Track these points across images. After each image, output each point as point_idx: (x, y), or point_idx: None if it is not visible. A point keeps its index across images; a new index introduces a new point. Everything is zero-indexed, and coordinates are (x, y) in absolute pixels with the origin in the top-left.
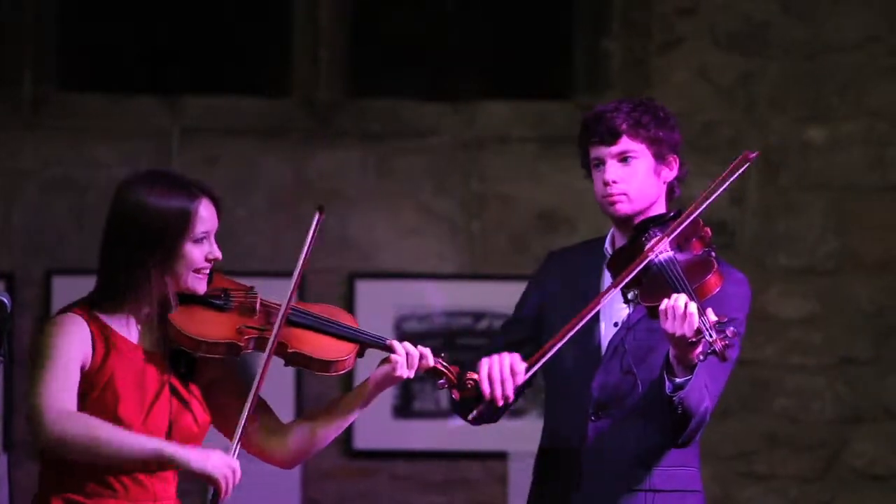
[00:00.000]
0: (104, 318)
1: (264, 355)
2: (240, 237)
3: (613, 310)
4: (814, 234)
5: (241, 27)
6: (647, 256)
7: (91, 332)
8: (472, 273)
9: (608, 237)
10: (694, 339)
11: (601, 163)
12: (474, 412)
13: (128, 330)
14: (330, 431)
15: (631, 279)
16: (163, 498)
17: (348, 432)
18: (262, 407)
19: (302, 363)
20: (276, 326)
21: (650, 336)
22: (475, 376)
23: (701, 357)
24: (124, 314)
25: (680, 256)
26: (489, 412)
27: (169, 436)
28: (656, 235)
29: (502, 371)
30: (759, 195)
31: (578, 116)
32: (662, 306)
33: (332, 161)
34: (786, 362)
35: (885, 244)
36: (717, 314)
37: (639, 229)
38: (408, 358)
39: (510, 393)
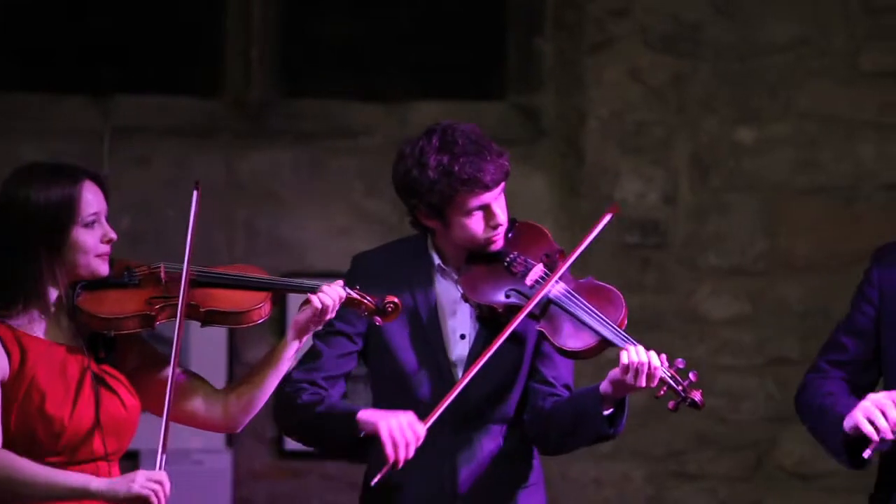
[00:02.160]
0: (10, 322)
1: (177, 320)
2: (171, 237)
3: (457, 323)
4: (744, 235)
5: (173, 27)
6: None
7: (1, 339)
8: None
9: (430, 248)
10: (656, 392)
11: (484, 208)
12: (377, 476)
13: (35, 328)
14: (266, 384)
15: (530, 312)
16: None
17: (279, 434)
18: (193, 377)
19: (217, 320)
20: (182, 288)
21: (507, 349)
22: (394, 299)
23: (672, 408)
24: (27, 313)
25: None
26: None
27: (97, 423)
28: (525, 264)
29: (403, 431)
30: (690, 195)
31: (511, 116)
32: (625, 361)
33: (264, 161)
34: (716, 362)
35: (815, 245)
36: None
37: (498, 255)
38: (326, 292)
39: (412, 454)
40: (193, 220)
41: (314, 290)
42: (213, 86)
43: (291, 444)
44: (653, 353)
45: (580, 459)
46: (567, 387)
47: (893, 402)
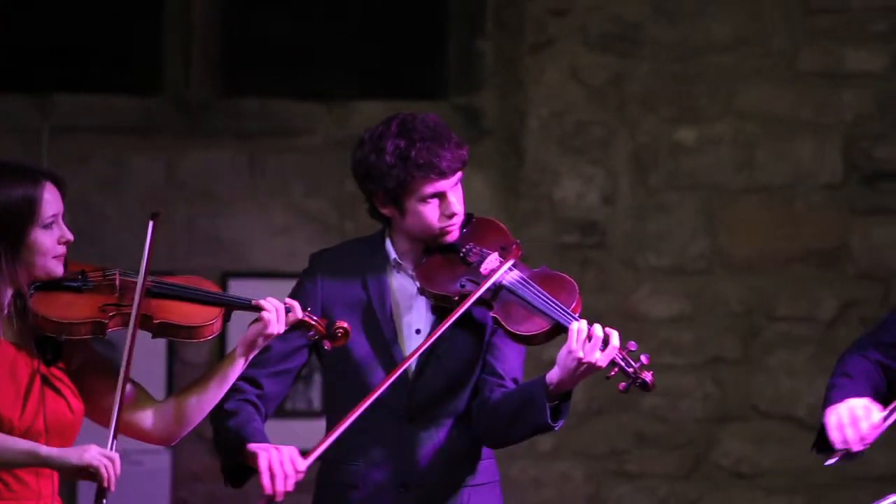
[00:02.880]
0: None
1: (129, 331)
2: (110, 237)
3: (413, 317)
4: (683, 235)
5: (113, 25)
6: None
7: None
8: None
9: (387, 243)
10: (607, 373)
11: (440, 196)
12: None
13: None
14: (206, 400)
15: (478, 299)
16: (46, 496)
17: None
18: (133, 386)
19: (169, 333)
20: (136, 298)
21: (463, 343)
22: (344, 324)
23: (622, 389)
24: None
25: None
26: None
27: (45, 426)
28: (481, 253)
29: (283, 464)
30: (629, 195)
31: (452, 116)
32: (573, 334)
33: (204, 160)
34: (656, 361)
35: (754, 244)
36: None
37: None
38: (277, 312)
39: (291, 487)
40: (149, 249)
41: (265, 310)
42: (152, 84)
43: None
44: (609, 329)
45: (520, 459)
46: (515, 381)
47: (867, 414)
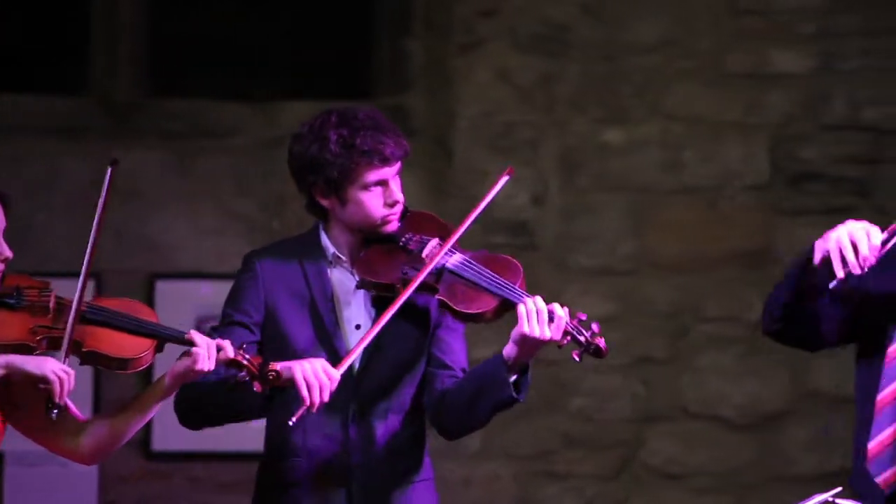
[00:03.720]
0: None
1: (60, 354)
2: (39, 238)
3: (352, 313)
4: (612, 235)
5: (39, 25)
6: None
7: None
8: None
9: (323, 238)
10: (559, 342)
11: (382, 183)
12: (294, 417)
13: None
14: (129, 428)
15: (420, 284)
16: None
17: (146, 434)
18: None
19: (98, 362)
20: (69, 326)
21: (407, 335)
22: (277, 367)
23: (577, 358)
24: None
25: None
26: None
27: None
28: (421, 240)
29: (317, 376)
30: (558, 196)
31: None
32: (522, 311)
33: (132, 161)
34: (584, 362)
35: (681, 245)
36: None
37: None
38: (208, 349)
39: (327, 397)
40: (104, 200)
41: (197, 345)
42: (79, 85)
43: (159, 445)
44: (556, 304)
45: (449, 459)
46: (463, 370)
47: (868, 234)
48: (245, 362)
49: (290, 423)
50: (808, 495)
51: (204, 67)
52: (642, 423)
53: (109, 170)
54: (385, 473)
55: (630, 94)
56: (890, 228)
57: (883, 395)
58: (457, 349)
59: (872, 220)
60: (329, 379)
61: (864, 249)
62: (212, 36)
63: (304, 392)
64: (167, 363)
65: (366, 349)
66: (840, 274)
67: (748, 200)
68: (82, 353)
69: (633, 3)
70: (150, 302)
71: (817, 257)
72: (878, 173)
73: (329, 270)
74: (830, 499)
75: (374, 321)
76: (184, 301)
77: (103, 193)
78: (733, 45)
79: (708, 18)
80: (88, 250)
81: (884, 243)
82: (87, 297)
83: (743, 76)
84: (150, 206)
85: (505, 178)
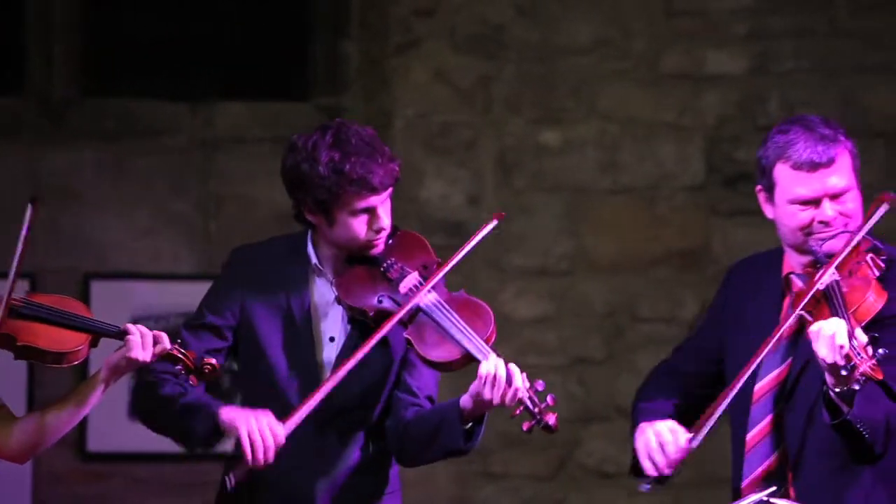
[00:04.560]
0: None
1: None
2: None
3: (328, 325)
4: (548, 236)
5: None
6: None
7: None
8: (208, 274)
9: (309, 247)
10: (512, 412)
11: (370, 210)
12: (234, 479)
13: None
14: (61, 422)
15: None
16: None
17: (81, 434)
18: None
19: (33, 356)
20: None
21: (378, 355)
22: (212, 361)
23: (526, 429)
24: None
25: None
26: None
27: None
28: (402, 270)
29: (262, 434)
30: (494, 196)
31: (317, 117)
32: (482, 372)
33: (67, 160)
34: (521, 362)
35: (617, 245)
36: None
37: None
38: (143, 339)
39: (272, 457)
40: (23, 242)
41: (131, 335)
42: (14, 84)
43: (95, 445)
44: (515, 369)
45: None
46: (430, 398)
47: (674, 437)
48: (180, 356)
49: (229, 488)
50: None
51: (140, 67)
52: (579, 423)
53: (30, 208)
54: (352, 492)
55: (566, 94)
56: (694, 427)
57: (752, 435)
58: (426, 375)
59: None
60: (274, 438)
61: (671, 451)
62: (148, 36)
63: (248, 452)
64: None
65: (335, 366)
66: (651, 473)
67: (684, 201)
68: (17, 348)
69: (568, 5)
70: (85, 302)
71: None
72: None
73: (311, 280)
74: (766, 498)
75: (347, 337)
76: (119, 301)
77: (24, 231)
78: (668, 45)
79: (643, 19)
80: (19, 248)
81: (690, 441)
82: (21, 294)
83: (678, 77)
84: (85, 205)
85: (494, 223)
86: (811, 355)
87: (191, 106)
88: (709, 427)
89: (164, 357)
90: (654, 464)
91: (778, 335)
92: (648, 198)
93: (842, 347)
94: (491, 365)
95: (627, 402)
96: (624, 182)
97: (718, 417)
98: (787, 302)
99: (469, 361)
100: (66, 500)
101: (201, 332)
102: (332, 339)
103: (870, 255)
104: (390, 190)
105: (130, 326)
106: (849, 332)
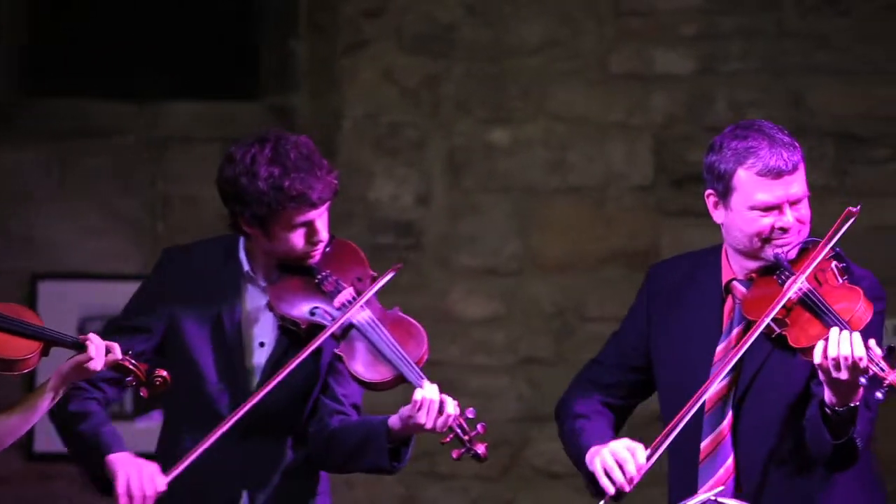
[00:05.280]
0: None
1: None
2: None
3: (259, 330)
4: (497, 236)
5: None
6: None
7: None
8: None
9: (241, 253)
10: (443, 439)
11: (308, 224)
12: None
13: None
14: (12, 429)
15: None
16: None
17: (28, 434)
18: None
19: None
20: None
21: (304, 361)
22: (164, 373)
23: (455, 457)
24: None
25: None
26: None
27: None
28: (336, 284)
29: (141, 484)
30: (443, 196)
31: (266, 117)
32: (417, 398)
33: (15, 161)
34: (469, 362)
35: (566, 245)
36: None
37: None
38: (96, 350)
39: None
40: None
41: (86, 346)
42: None
43: (42, 446)
44: (448, 399)
45: None
46: (355, 406)
47: (633, 454)
48: (132, 367)
49: None
50: (690, 494)
51: (87, 67)
52: (527, 422)
53: None
54: (280, 495)
55: (515, 94)
56: (653, 445)
57: (705, 444)
58: (352, 384)
59: None
60: (154, 491)
61: (630, 469)
62: (97, 34)
63: (124, 502)
64: (51, 370)
65: (263, 372)
66: (610, 491)
67: (632, 201)
68: None
69: (517, 5)
70: (33, 302)
71: (590, 467)
72: None
73: (242, 286)
74: (713, 497)
75: (277, 342)
76: (66, 301)
77: None
78: (617, 46)
79: (591, 20)
80: None
81: (649, 459)
82: None
83: (627, 77)
84: (33, 206)
85: (392, 273)
86: (764, 362)
87: (139, 105)
88: (665, 445)
89: (115, 367)
90: (612, 482)
91: (747, 345)
92: (597, 198)
93: (861, 360)
94: (427, 392)
95: None
96: (573, 182)
97: (675, 437)
98: (727, 307)
99: (400, 383)
100: (12, 501)
101: (126, 335)
102: (262, 345)
103: (834, 262)
104: (329, 203)
105: (84, 337)
106: (864, 344)
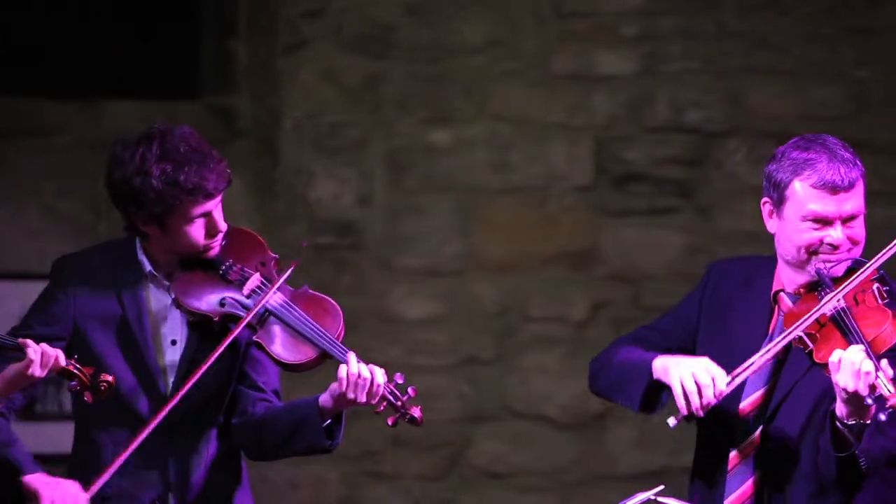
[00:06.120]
0: None
1: None
2: None
3: (168, 329)
4: (438, 236)
5: None
6: None
7: None
8: None
9: (139, 254)
10: (375, 408)
11: (206, 215)
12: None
13: None
14: None
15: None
16: None
17: None
18: None
19: None
20: None
21: (225, 351)
22: (109, 378)
23: (391, 423)
24: None
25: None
26: None
27: None
28: (242, 272)
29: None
30: (385, 196)
31: (206, 117)
32: (343, 375)
33: None
34: (411, 363)
35: (508, 245)
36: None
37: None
38: (42, 357)
39: None
40: None
41: (28, 351)
42: None
43: None
44: (375, 368)
45: (275, 461)
46: (276, 392)
47: (714, 380)
48: (76, 371)
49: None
50: (631, 494)
51: (27, 66)
52: (469, 422)
53: None
54: (202, 489)
55: (456, 94)
56: (733, 373)
57: (734, 454)
58: (270, 370)
59: (694, 221)
60: None
61: (708, 395)
62: (37, 33)
63: None
64: None
65: (179, 369)
66: (684, 412)
67: (573, 201)
68: None
69: (458, 5)
70: None
71: (662, 379)
72: (699, 175)
73: (145, 287)
74: (653, 497)
75: (189, 339)
76: (7, 302)
77: None
78: (558, 46)
79: (533, 20)
80: None
81: (729, 385)
82: None
83: (568, 78)
84: None
85: (292, 268)
86: (799, 380)
87: (79, 104)
88: (742, 378)
89: (60, 373)
90: (693, 404)
91: (774, 351)
92: (539, 198)
93: (868, 375)
94: (353, 366)
95: (517, 401)
96: (514, 182)
97: (749, 373)
98: (775, 319)
99: (324, 360)
100: None
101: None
102: (174, 343)
103: (876, 284)
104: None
105: (29, 343)
106: (874, 362)
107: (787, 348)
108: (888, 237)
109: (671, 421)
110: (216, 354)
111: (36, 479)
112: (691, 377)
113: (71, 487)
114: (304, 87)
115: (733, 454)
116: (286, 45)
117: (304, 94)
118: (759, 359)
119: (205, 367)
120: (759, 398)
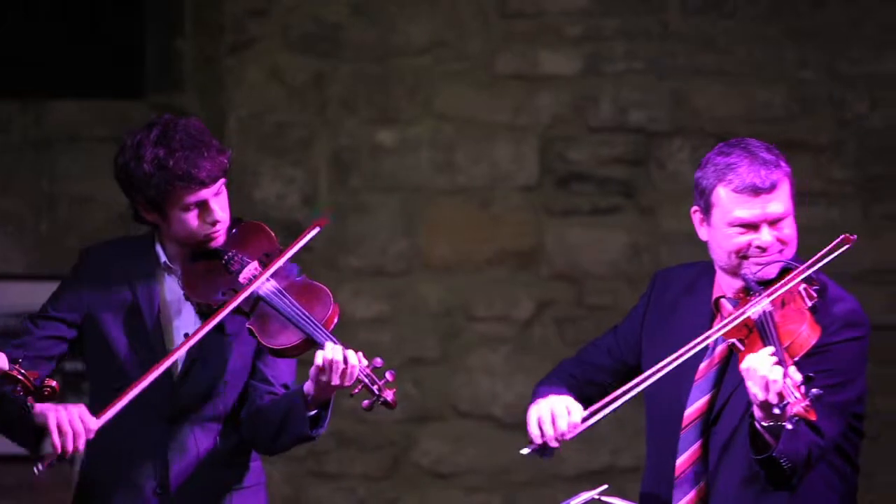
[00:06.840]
0: None
1: None
2: None
3: (181, 322)
4: (384, 236)
5: None
6: None
7: None
8: (39, 274)
9: (157, 246)
10: (351, 391)
11: (201, 204)
12: (42, 465)
13: None
14: None
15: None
16: None
17: None
18: None
19: None
20: None
21: (229, 347)
22: (53, 383)
23: (366, 406)
24: None
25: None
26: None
27: None
28: (242, 261)
29: (72, 423)
30: (330, 196)
31: (151, 116)
32: (318, 361)
33: None
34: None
35: (453, 245)
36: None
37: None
38: None
39: (81, 446)
40: None
41: None
42: None
43: None
44: (350, 352)
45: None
46: (286, 386)
47: (569, 412)
48: (20, 376)
49: (36, 472)
50: (576, 493)
51: None
52: (413, 422)
53: None
54: (205, 480)
55: (401, 94)
56: (591, 408)
57: (681, 461)
58: (281, 364)
59: (637, 220)
60: (84, 428)
61: (561, 425)
62: None
63: (56, 439)
64: None
65: (186, 358)
66: (537, 441)
67: (518, 201)
68: None
69: (403, 5)
70: None
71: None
72: (643, 174)
73: (161, 279)
74: (597, 496)
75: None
76: None
77: None
78: (503, 46)
79: (478, 21)
80: None
81: (584, 419)
82: None
83: (512, 78)
84: None
85: (316, 230)
86: (739, 383)
87: (22, 103)
88: (604, 413)
89: (3, 377)
90: (542, 433)
91: (676, 363)
92: (484, 198)
93: (774, 383)
94: (328, 350)
95: (462, 401)
96: (460, 182)
97: (615, 409)
98: (716, 324)
99: (311, 346)
100: None
101: (43, 321)
102: (186, 335)
103: (803, 284)
104: (222, 181)
105: None
106: (783, 369)
107: (730, 354)
108: (829, 238)
109: (524, 451)
110: (204, 331)
111: (45, 406)
112: (547, 408)
113: (79, 408)
114: (250, 86)
115: (680, 461)
116: (232, 44)
117: (250, 93)
118: (653, 373)
119: (195, 339)
120: (704, 405)
